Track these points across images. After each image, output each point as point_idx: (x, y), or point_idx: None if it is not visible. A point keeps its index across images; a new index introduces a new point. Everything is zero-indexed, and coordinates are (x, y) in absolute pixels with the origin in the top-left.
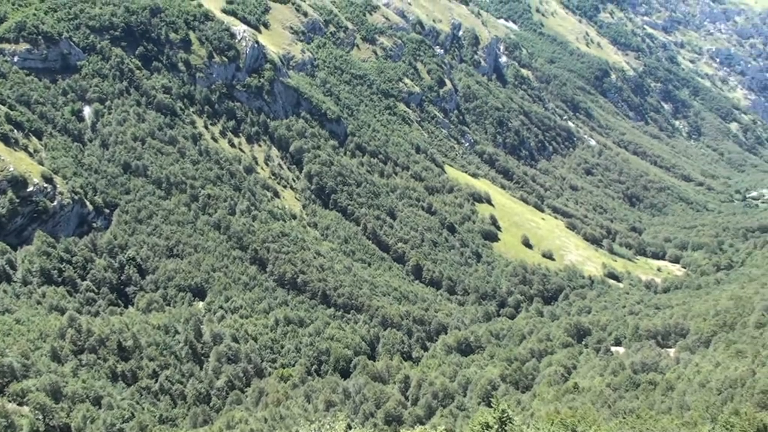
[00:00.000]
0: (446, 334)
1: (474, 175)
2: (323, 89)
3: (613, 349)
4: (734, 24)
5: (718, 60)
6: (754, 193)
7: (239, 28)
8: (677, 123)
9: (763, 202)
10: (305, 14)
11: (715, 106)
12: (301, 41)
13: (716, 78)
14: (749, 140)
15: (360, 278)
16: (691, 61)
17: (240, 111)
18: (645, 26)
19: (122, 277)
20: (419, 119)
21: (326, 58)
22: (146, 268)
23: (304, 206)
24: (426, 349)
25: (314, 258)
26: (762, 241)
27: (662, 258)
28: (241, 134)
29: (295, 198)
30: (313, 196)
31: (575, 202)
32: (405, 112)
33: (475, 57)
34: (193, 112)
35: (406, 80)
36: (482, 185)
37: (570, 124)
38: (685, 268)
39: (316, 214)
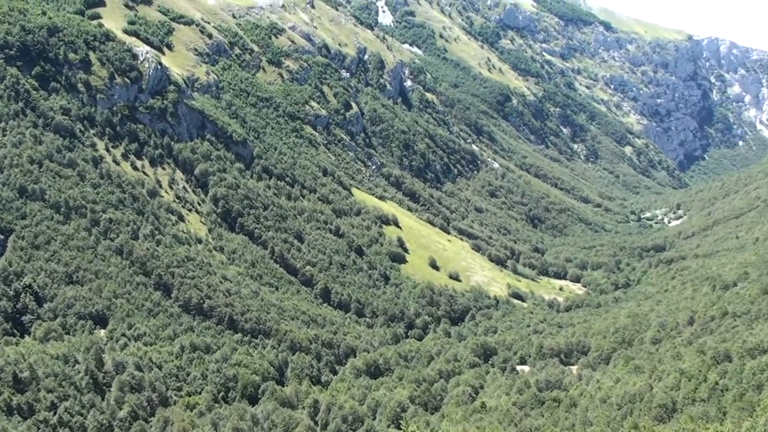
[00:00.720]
0: (355, 357)
1: (381, 198)
2: (229, 111)
3: (518, 368)
4: (627, 52)
5: (612, 86)
6: (648, 214)
7: (142, 49)
8: (576, 146)
9: (656, 223)
10: (210, 36)
11: (611, 130)
12: (206, 63)
13: (611, 103)
14: (642, 163)
15: (268, 302)
16: (588, 87)
17: (143, 133)
18: (544, 53)
19: (18, 306)
20: (326, 142)
21: (231, 80)
22: (44, 296)
23: (209, 230)
24: (335, 372)
25: (221, 282)
26: (656, 260)
27: (564, 277)
28: (144, 157)
29: (201, 222)
30: (219, 220)
31: (480, 223)
32: (312, 134)
33: (381, 81)
34: (93, 134)
35: (313, 103)
36: (389, 208)
37: (474, 147)
38: (585, 287)
39: (222, 238)
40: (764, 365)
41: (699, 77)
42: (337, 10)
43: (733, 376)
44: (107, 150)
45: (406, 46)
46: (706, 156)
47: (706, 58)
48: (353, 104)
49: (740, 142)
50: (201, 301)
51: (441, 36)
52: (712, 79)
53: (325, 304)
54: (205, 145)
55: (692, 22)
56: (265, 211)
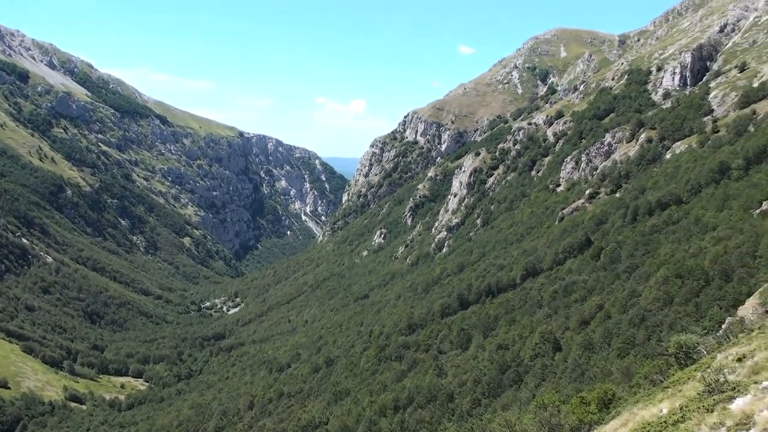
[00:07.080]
0: None
1: None
2: None
3: None
4: (183, 146)
5: (170, 178)
6: (207, 304)
7: None
8: (135, 238)
9: (216, 312)
10: None
11: (170, 222)
12: None
13: (170, 195)
14: (201, 254)
15: None
16: (146, 179)
17: None
18: (100, 143)
19: None
20: None
21: None
22: None
23: None
24: None
25: None
26: (217, 348)
27: (126, 374)
28: None
29: None
30: None
31: (32, 323)
32: None
33: None
34: None
35: None
36: None
37: (24, 241)
38: (148, 381)
39: None
40: None
41: (250, 171)
42: None
43: None
44: None
45: None
46: (259, 245)
47: (256, 154)
48: None
49: (288, 232)
50: None
51: None
52: (262, 174)
53: None
54: None
55: (241, 120)
56: None
